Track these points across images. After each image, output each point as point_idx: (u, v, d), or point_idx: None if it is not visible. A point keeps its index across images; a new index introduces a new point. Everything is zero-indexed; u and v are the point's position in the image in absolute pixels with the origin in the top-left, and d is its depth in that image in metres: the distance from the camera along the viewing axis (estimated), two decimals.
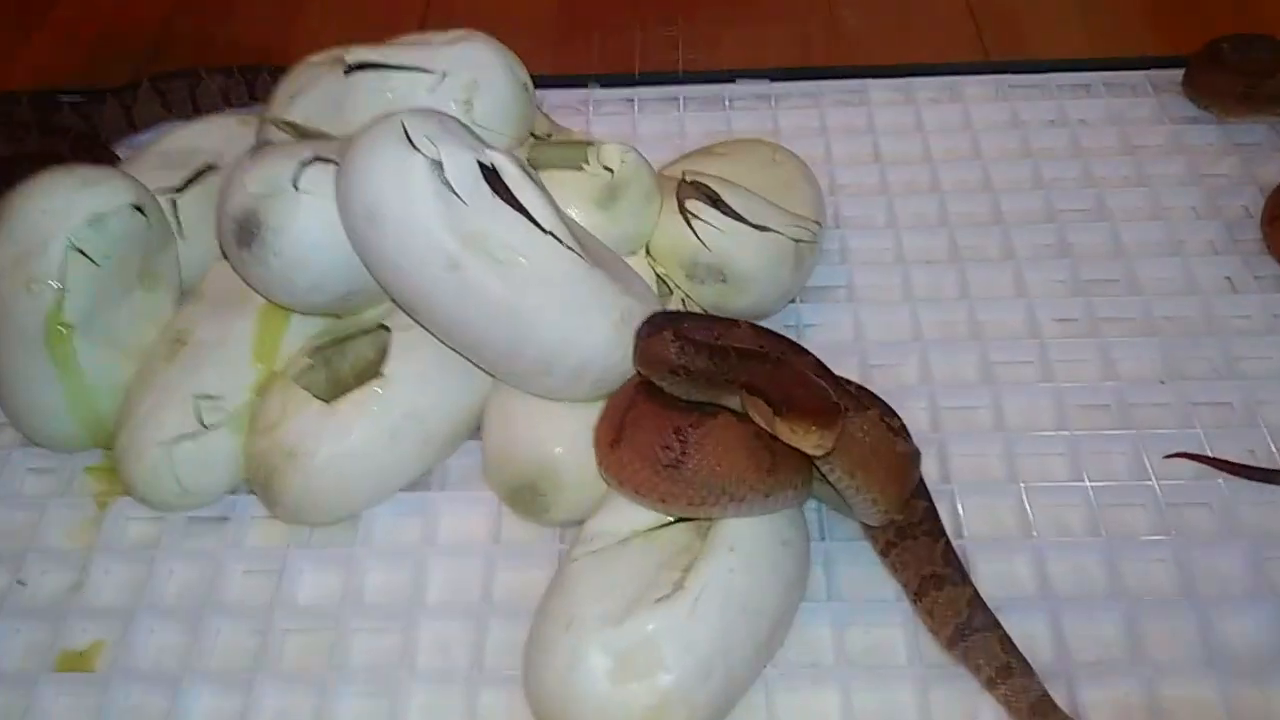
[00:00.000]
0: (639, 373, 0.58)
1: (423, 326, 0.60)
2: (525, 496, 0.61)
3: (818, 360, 0.58)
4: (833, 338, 0.71)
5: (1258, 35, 0.86)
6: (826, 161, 0.84)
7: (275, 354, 0.64)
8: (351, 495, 0.62)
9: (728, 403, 0.55)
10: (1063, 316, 0.72)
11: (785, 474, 0.54)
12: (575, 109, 0.91)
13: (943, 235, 0.78)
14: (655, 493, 0.54)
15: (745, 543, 0.54)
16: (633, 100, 0.92)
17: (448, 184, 0.54)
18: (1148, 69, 0.90)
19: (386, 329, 0.63)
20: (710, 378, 0.54)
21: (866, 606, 0.58)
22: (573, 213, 0.62)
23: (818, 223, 0.72)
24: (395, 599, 0.60)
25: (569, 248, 0.57)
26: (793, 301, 0.73)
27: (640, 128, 0.89)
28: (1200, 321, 0.71)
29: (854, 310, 0.73)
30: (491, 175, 0.56)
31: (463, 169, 0.55)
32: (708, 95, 0.91)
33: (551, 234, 0.56)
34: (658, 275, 0.67)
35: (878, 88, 0.91)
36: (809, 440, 0.48)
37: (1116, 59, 0.92)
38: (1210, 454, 0.64)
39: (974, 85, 0.91)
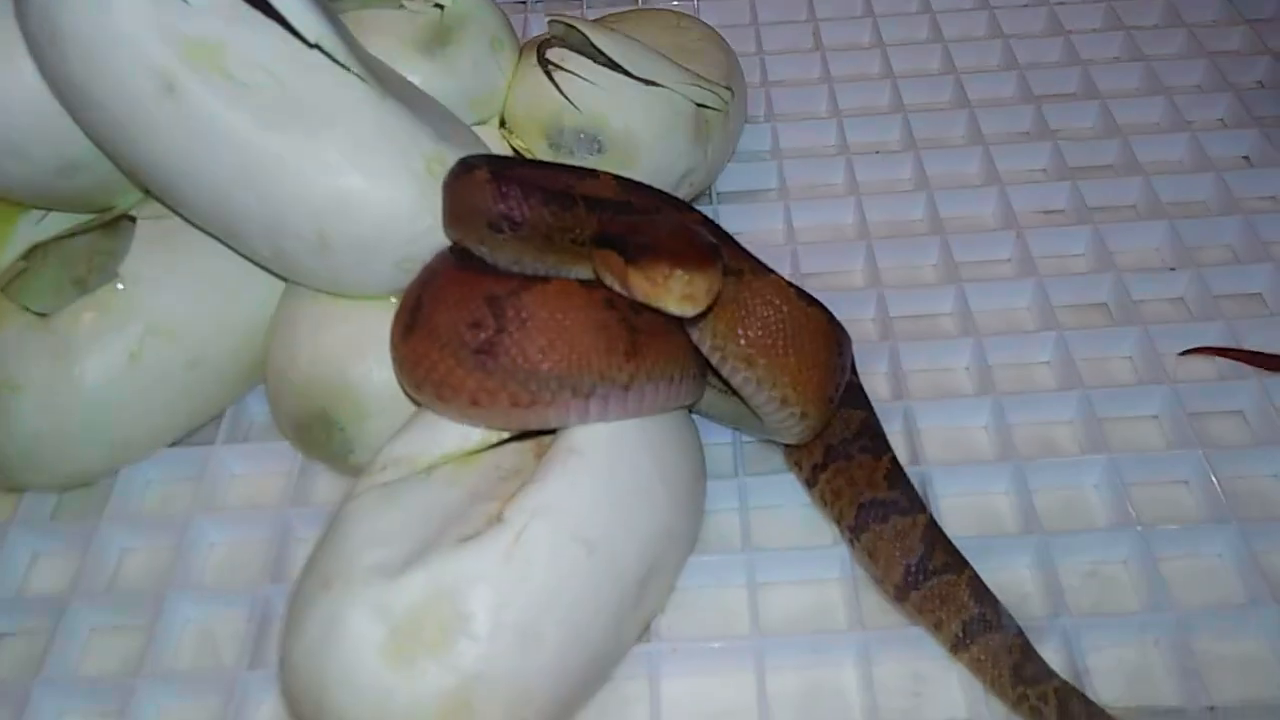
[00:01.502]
0: (451, 239, 0.42)
1: (150, 194, 0.44)
2: (317, 433, 0.48)
3: (706, 218, 0.43)
4: (759, 241, 0.60)
5: None
6: (757, 54, 0.75)
7: None
8: (84, 448, 0.49)
9: (575, 275, 0.40)
10: (1044, 206, 0.64)
11: (653, 358, 0.39)
12: None
13: (895, 124, 0.69)
14: (463, 392, 0.38)
15: (599, 454, 0.39)
16: (525, 1, 0.81)
17: None
18: None
19: (132, 219, 0.48)
20: (549, 235, 0.40)
21: (793, 556, 0.48)
22: (396, 68, 0.48)
23: (729, 89, 0.59)
24: (150, 584, 0.49)
25: (343, 66, 0.41)
26: (706, 200, 0.64)
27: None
28: (1214, 202, 0.63)
29: (785, 209, 0.64)
30: None
31: None
32: None
33: (318, 47, 0.41)
34: (514, 151, 0.53)
35: None
36: (671, 291, 0.35)
37: None
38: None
39: None
